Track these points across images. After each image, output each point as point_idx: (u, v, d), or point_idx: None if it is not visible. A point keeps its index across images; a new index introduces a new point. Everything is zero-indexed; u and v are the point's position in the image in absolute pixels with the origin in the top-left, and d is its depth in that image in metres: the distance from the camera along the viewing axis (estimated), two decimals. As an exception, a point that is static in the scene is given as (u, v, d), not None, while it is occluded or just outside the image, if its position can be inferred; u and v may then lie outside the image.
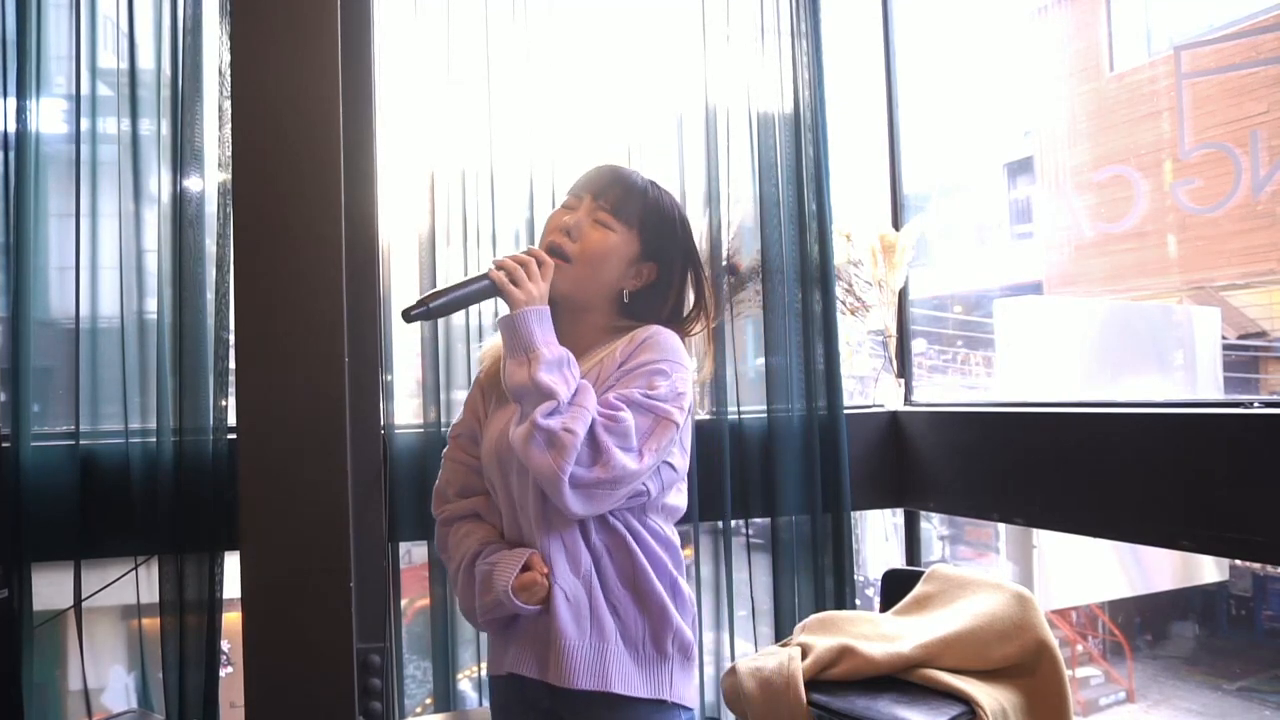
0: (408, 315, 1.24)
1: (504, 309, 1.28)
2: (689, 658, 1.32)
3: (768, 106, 2.57)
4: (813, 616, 2.15)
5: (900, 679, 1.88)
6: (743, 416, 2.50)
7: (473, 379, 2.36)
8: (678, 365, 1.28)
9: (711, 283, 1.47)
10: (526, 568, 1.27)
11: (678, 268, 1.40)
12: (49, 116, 2.11)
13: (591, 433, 1.18)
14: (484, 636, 2.32)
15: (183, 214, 2.10)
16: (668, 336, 1.31)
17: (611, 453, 1.18)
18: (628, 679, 1.25)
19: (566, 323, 1.35)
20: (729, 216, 2.55)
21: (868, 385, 2.91)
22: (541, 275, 1.28)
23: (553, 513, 1.25)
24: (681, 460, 1.34)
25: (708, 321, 1.48)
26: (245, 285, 0.85)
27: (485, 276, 1.27)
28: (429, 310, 1.25)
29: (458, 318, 2.32)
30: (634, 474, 1.20)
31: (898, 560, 2.82)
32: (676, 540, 1.36)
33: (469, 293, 1.28)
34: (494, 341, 1.43)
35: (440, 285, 1.28)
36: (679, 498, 1.36)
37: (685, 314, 1.43)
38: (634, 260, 1.36)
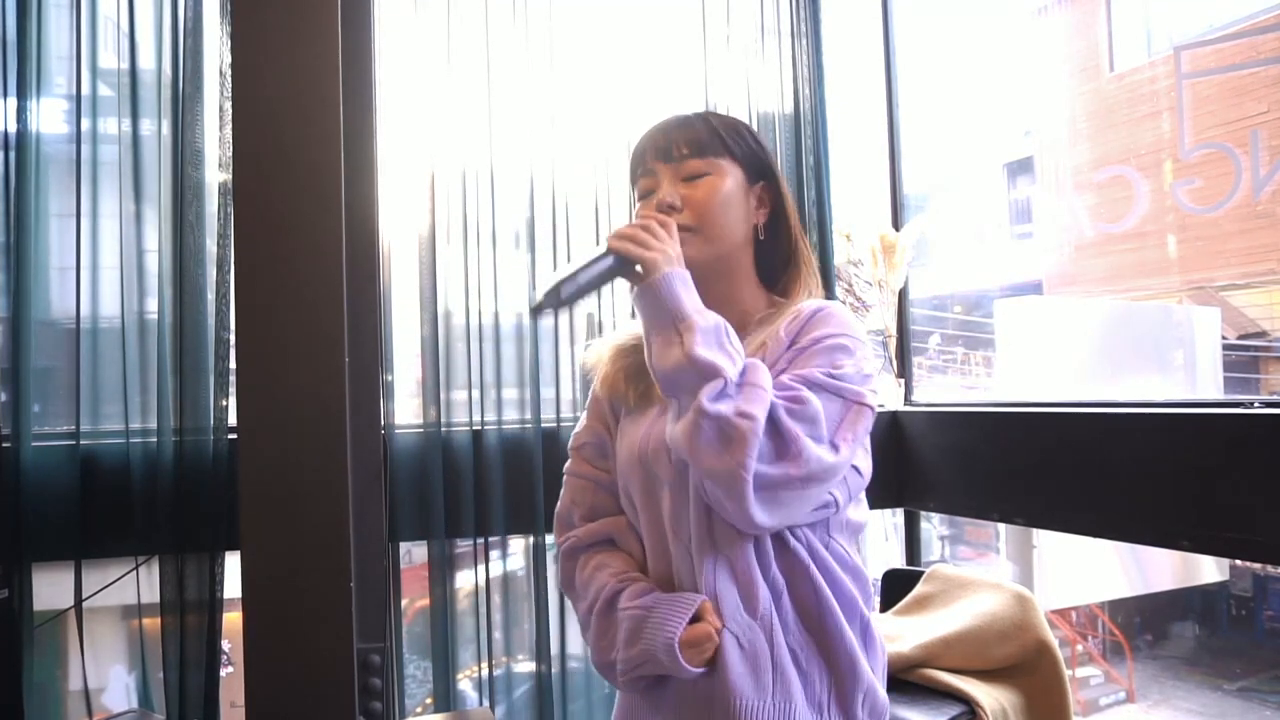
0: (537, 309, 1.01)
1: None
2: None
3: (768, 106, 2.57)
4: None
5: (900, 679, 1.88)
6: (743, 416, 2.50)
7: (467, 378, 2.38)
8: (860, 341, 1.06)
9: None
10: (696, 618, 0.99)
11: (781, 178, 1.18)
12: (49, 116, 2.11)
13: (773, 418, 0.93)
14: (481, 636, 2.32)
15: (183, 214, 2.10)
16: (841, 311, 1.09)
17: (802, 443, 0.93)
18: None
19: (714, 297, 1.09)
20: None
21: (868, 385, 2.90)
22: (669, 234, 1.04)
23: (719, 534, 1.00)
24: (867, 462, 1.08)
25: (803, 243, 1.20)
26: (245, 285, 0.85)
27: (604, 256, 1.02)
28: (562, 300, 1.01)
29: (457, 317, 2.32)
30: (831, 469, 0.95)
31: (898, 560, 2.82)
32: (865, 567, 1.09)
33: (596, 274, 1.02)
34: (603, 341, 1.23)
35: (560, 272, 1.03)
36: (861, 511, 1.11)
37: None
38: (747, 189, 1.14)
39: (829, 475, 0.96)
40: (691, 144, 1.12)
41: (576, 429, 1.24)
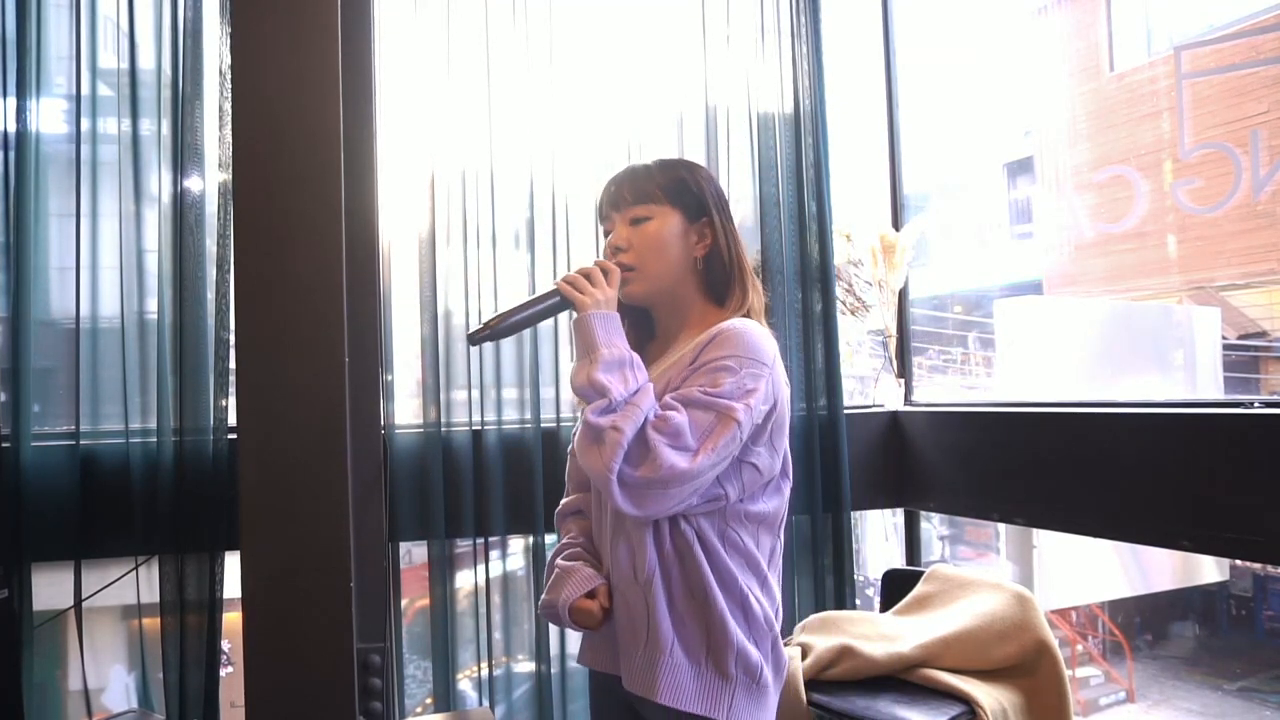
0: (473, 339, 1.26)
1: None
2: (757, 683, 1.24)
3: (768, 106, 2.57)
4: (813, 616, 2.15)
5: (900, 679, 1.88)
6: (743, 416, 2.50)
7: (467, 378, 2.38)
8: (748, 360, 1.22)
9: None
10: (593, 595, 1.29)
11: (721, 214, 1.37)
12: (49, 116, 2.11)
13: (641, 431, 1.16)
14: (481, 636, 2.32)
15: (183, 214, 2.10)
16: (740, 330, 1.24)
17: (659, 451, 1.14)
18: (679, 692, 1.21)
19: (665, 327, 1.38)
20: (729, 216, 2.55)
21: (868, 385, 2.91)
22: (608, 282, 1.29)
23: (622, 514, 1.23)
24: (769, 461, 1.27)
25: (739, 261, 1.38)
26: (245, 285, 0.85)
27: (553, 294, 1.28)
28: (494, 332, 1.26)
29: (457, 317, 2.33)
30: (686, 473, 1.15)
31: (898, 560, 2.82)
32: (762, 552, 1.29)
33: (536, 311, 1.29)
34: None
35: (512, 304, 1.30)
36: (770, 503, 1.29)
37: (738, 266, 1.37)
38: (686, 228, 1.35)
39: (687, 478, 1.16)
40: (635, 193, 1.34)
41: None
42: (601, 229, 1.41)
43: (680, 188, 1.35)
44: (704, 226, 1.35)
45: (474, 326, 2.29)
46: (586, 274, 1.28)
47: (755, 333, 1.25)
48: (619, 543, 1.27)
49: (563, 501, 1.46)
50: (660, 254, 1.33)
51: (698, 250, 1.35)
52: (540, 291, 1.30)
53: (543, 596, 1.35)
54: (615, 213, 1.36)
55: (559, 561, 1.36)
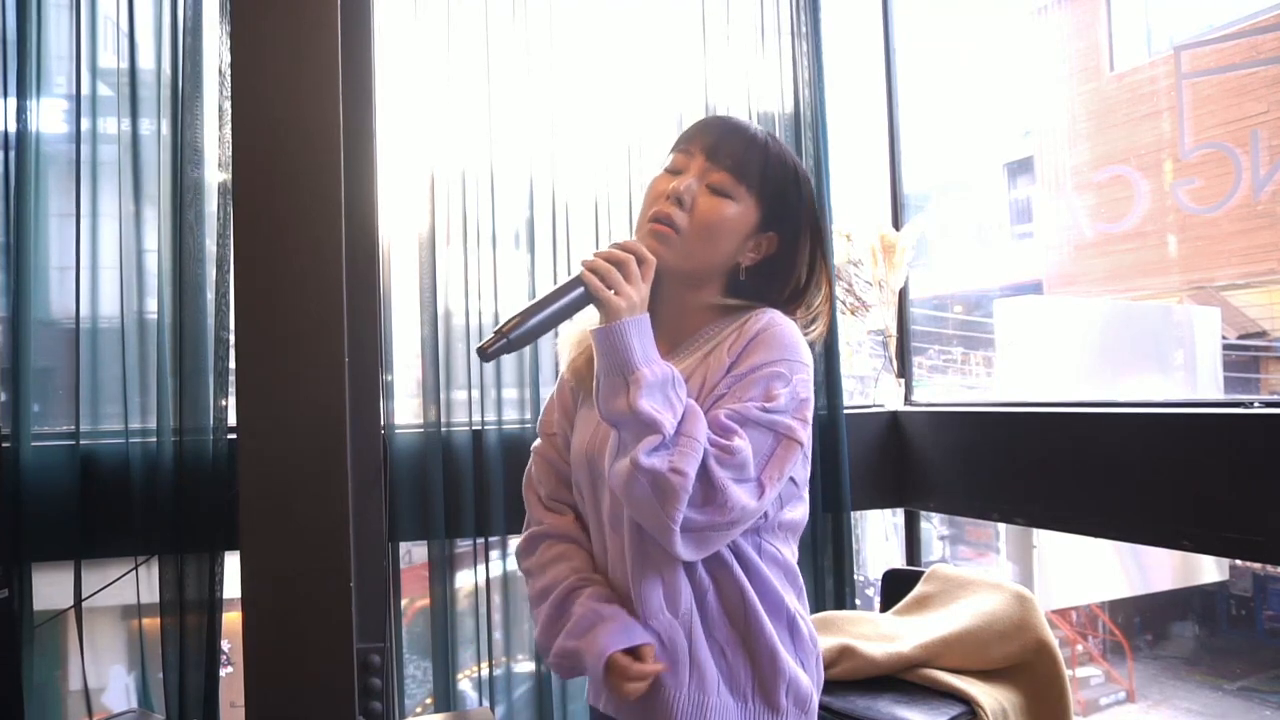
0: (485, 354, 1.02)
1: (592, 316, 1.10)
2: (806, 712, 1.12)
3: (768, 106, 2.57)
4: (813, 616, 2.15)
5: (900, 679, 1.88)
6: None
7: (467, 378, 2.38)
8: (798, 364, 1.08)
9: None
10: (639, 657, 1.06)
11: (804, 238, 1.18)
12: (49, 116, 2.11)
13: (704, 468, 0.99)
14: (481, 636, 2.32)
15: (183, 214, 2.10)
16: (783, 330, 1.10)
17: (728, 492, 0.99)
18: None
19: (672, 300, 1.17)
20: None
21: (868, 385, 2.91)
22: (643, 275, 1.07)
23: (650, 543, 1.07)
24: (804, 471, 1.14)
25: (829, 297, 1.22)
26: (245, 285, 0.85)
27: (575, 283, 1.06)
28: (509, 342, 1.02)
29: (457, 315, 2.32)
30: (754, 511, 1.03)
31: (898, 560, 2.82)
32: (795, 562, 1.17)
33: (557, 309, 1.06)
34: (572, 328, 1.23)
35: (521, 307, 1.06)
36: (799, 510, 1.17)
37: (807, 291, 1.19)
38: (753, 232, 1.15)
39: (753, 516, 1.04)
40: (734, 162, 1.13)
41: (545, 413, 1.28)
42: (670, 156, 1.17)
43: (781, 193, 1.16)
44: (770, 240, 1.17)
45: (478, 335, 2.30)
46: (618, 262, 1.05)
47: (797, 331, 1.12)
48: (647, 576, 1.09)
49: (540, 517, 1.23)
50: (714, 242, 1.13)
51: (747, 257, 1.16)
52: (559, 284, 1.07)
53: (559, 642, 1.11)
54: (701, 158, 1.14)
55: (590, 605, 1.11)
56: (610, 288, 1.04)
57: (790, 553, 1.17)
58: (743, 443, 1.01)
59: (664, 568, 1.08)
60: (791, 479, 1.10)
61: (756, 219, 1.15)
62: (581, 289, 1.05)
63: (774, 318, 1.12)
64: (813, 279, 1.19)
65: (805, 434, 1.07)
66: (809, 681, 1.13)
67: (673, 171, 1.16)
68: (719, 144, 1.14)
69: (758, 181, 1.14)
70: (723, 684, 1.09)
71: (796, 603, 1.15)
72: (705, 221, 1.12)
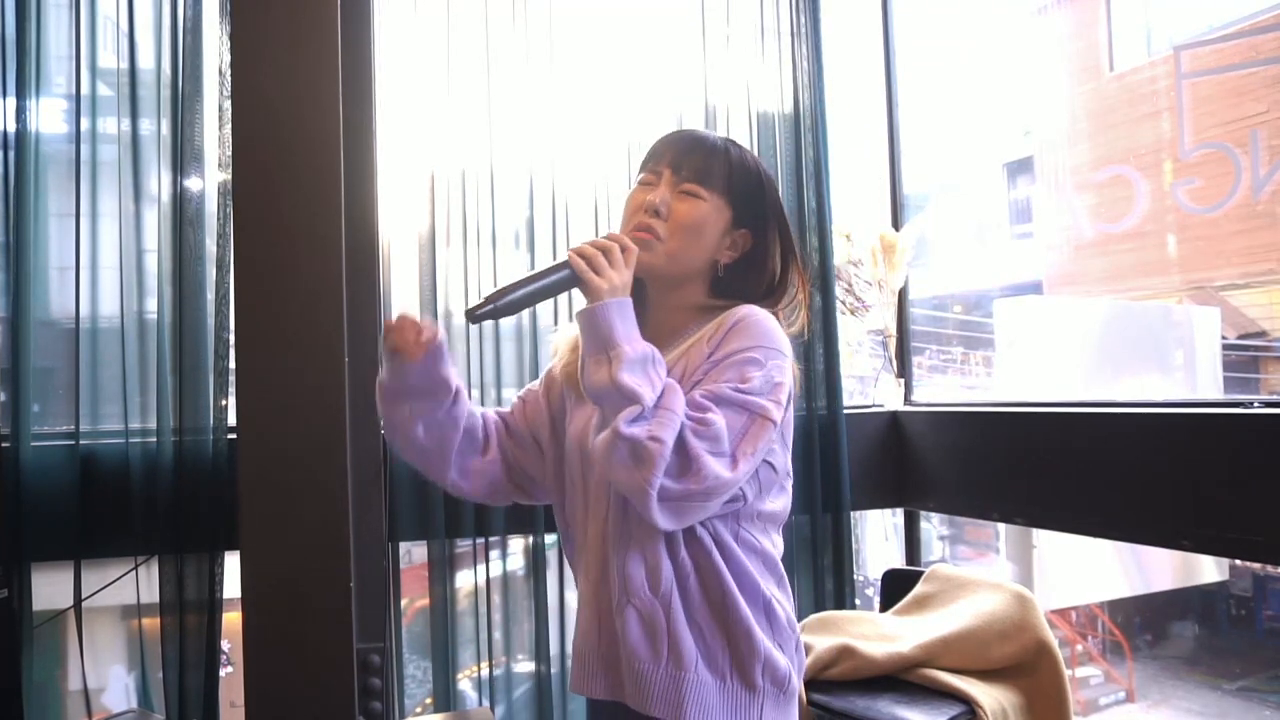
0: (473, 316, 1.12)
1: (579, 301, 1.17)
2: (784, 691, 1.17)
3: (768, 106, 2.57)
4: (813, 616, 2.15)
5: (900, 679, 1.88)
6: (743, 416, 2.50)
7: (467, 378, 2.38)
8: (772, 351, 1.14)
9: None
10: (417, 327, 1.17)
11: (772, 233, 1.27)
12: (49, 116, 2.11)
13: (680, 439, 1.05)
14: (481, 636, 2.32)
15: (183, 214, 2.10)
16: (759, 319, 1.17)
17: (703, 460, 1.05)
18: (706, 710, 1.13)
19: (656, 301, 1.26)
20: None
21: (868, 385, 2.91)
22: (625, 262, 1.15)
23: (635, 523, 1.15)
24: (782, 457, 1.21)
25: (803, 290, 1.30)
26: (245, 285, 0.85)
27: (563, 266, 1.14)
28: (496, 309, 1.11)
29: (456, 316, 2.32)
30: (729, 483, 1.08)
31: (898, 560, 2.82)
32: (777, 551, 1.23)
33: (542, 286, 1.14)
34: (569, 329, 1.32)
35: (503, 283, 1.14)
36: (779, 501, 1.22)
37: (783, 285, 1.28)
38: (728, 228, 1.24)
39: (727, 488, 1.08)
40: (698, 170, 1.22)
41: (529, 386, 1.38)
42: (640, 174, 1.27)
43: (747, 192, 1.25)
44: (743, 237, 1.26)
45: (478, 335, 2.31)
46: (603, 249, 1.14)
47: (773, 321, 1.19)
48: (629, 555, 1.15)
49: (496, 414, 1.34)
50: (694, 240, 1.21)
51: (725, 255, 1.25)
52: (547, 264, 1.16)
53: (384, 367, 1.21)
54: (669, 172, 1.23)
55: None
56: (595, 271, 1.12)
57: (770, 543, 1.22)
58: (718, 418, 1.07)
59: (647, 548, 1.15)
60: (771, 465, 1.18)
61: (729, 217, 1.24)
62: (568, 271, 1.13)
63: (752, 310, 1.19)
64: (786, 273, 1.28)
65: (779, 414, 1.12)
66: (786, 663, 1.18)
67: (646, 184, 1.25)
68: (683, 157, 1.23)
69: (724, 184, 1.23)
70: (700, 662, 1.15)
71: (775, 589, 1.20)
72: (683, 223, 1.21)
